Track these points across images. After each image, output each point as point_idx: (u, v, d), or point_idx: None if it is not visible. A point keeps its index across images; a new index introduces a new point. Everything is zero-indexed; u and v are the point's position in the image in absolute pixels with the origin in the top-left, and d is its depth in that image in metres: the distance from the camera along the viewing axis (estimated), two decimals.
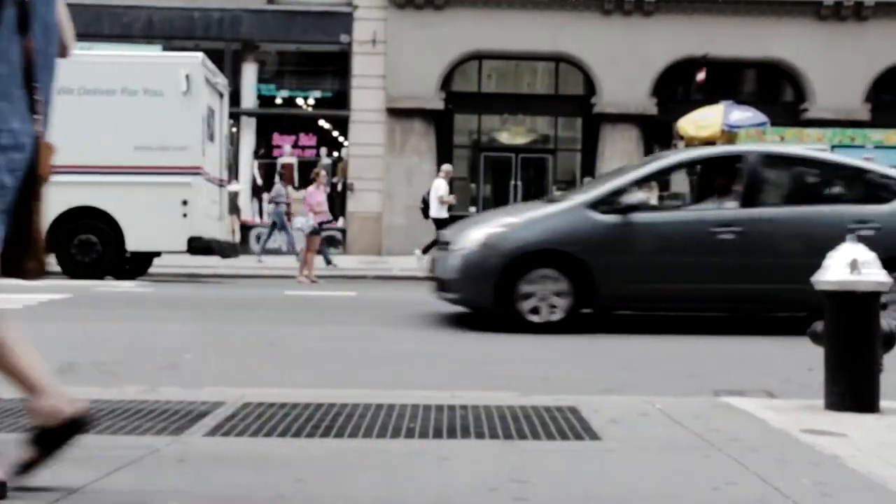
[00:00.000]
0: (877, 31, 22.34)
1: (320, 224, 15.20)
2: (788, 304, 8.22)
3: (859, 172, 8.77)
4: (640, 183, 8.66)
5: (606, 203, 8.02)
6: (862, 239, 7.83)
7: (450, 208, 17.24)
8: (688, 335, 7.93)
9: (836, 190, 9.13)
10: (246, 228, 21.75)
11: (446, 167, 17.98)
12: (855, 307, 4.04)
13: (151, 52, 17.51)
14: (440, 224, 15.90)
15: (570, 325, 7.73)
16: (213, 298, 9.90)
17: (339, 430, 3.65)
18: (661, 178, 9.96)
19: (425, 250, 15.96)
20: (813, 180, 9.12)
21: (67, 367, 5.70)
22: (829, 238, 8.27)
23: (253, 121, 23.30)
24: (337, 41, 22.46)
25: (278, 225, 19.76)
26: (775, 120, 18.28)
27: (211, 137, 14.45)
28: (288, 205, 19.72)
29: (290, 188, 21.13)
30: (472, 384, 5.14)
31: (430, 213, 17.27)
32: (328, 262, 17.54)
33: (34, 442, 2.66)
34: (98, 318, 8.30)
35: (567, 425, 3.79)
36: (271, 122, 23.50)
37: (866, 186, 8.57)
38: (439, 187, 17.25)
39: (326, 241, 18.07)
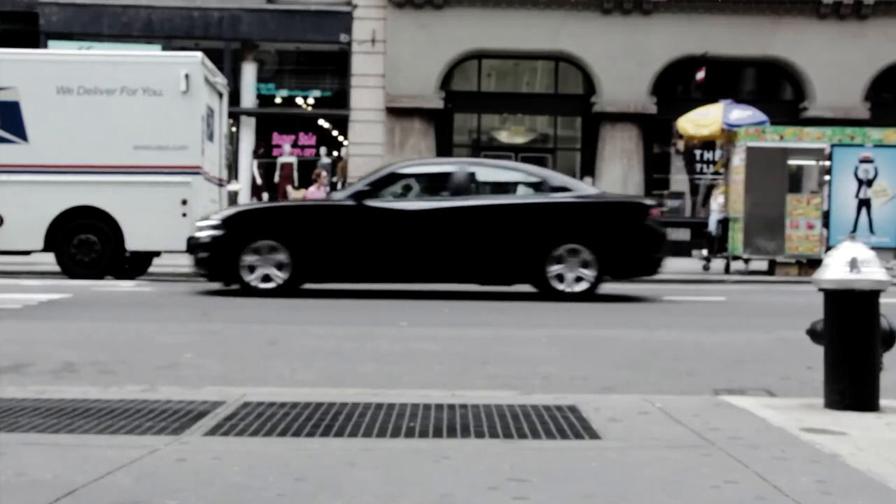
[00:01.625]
0: (876, 30, 22.35)
1: None
2: None
3: None
4: None
5: None
6: None
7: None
8: (687, 333, 7.93)
9: None
10: None
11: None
12: (854, 306, 4.04)
13: (151, 52, 17.48)
14: None
15: None
16: (213, 297, 9.89)
17: (339, 430, 3.64)
18: None
19: None
20: None
21: (67, 367, 5.70)
22: None
23: (252, 120, 23.29)
24: (336, 40, 22.47)
25: None
26: (775, 119, 18.29)
27: (210, 137, 14.43)
28: None
29: (289, 188, 21.08)
30: (472, 383, 5.14)
31: None
32: None
33: None
34: (98, 318, 8.29)
35: (567, 424, 3.79)
36: (271, 122, 23.49)
37: None
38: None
39: None
